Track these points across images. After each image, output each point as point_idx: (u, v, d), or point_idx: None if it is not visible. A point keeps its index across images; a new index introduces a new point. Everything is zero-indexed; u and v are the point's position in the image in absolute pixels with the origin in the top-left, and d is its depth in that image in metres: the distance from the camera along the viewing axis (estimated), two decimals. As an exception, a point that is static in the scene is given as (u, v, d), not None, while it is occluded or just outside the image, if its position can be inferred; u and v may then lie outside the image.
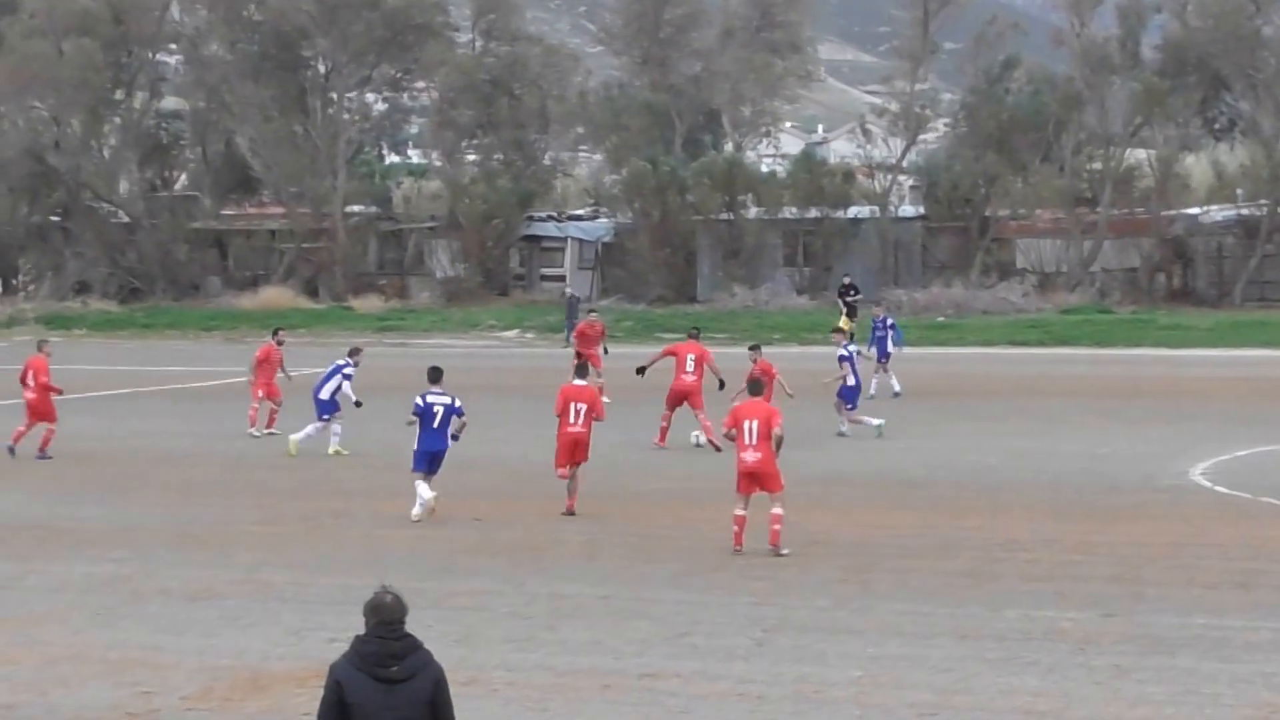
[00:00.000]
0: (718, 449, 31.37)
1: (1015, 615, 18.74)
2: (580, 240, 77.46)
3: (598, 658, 17.15)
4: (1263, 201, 71.02)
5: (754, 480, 22.40)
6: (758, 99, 77.90)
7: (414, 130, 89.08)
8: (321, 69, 79.96)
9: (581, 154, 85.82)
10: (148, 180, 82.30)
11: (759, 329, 61.05)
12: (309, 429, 32.88)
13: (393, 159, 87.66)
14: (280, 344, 37.37)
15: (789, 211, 74.29)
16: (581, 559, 22.39)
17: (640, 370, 35.01)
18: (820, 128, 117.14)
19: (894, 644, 17.51)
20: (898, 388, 42.29)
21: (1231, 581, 20.53)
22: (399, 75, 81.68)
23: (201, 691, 16.02)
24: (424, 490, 25.18)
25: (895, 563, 21.82)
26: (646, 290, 73.45)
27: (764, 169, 78.86)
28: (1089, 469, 30.31)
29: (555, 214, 79.54)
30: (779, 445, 22.42)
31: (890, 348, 42.81)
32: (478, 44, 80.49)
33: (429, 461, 25.28)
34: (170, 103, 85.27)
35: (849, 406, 35.41)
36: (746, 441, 22.35)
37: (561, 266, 76.92)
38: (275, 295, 73.77)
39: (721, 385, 33.00)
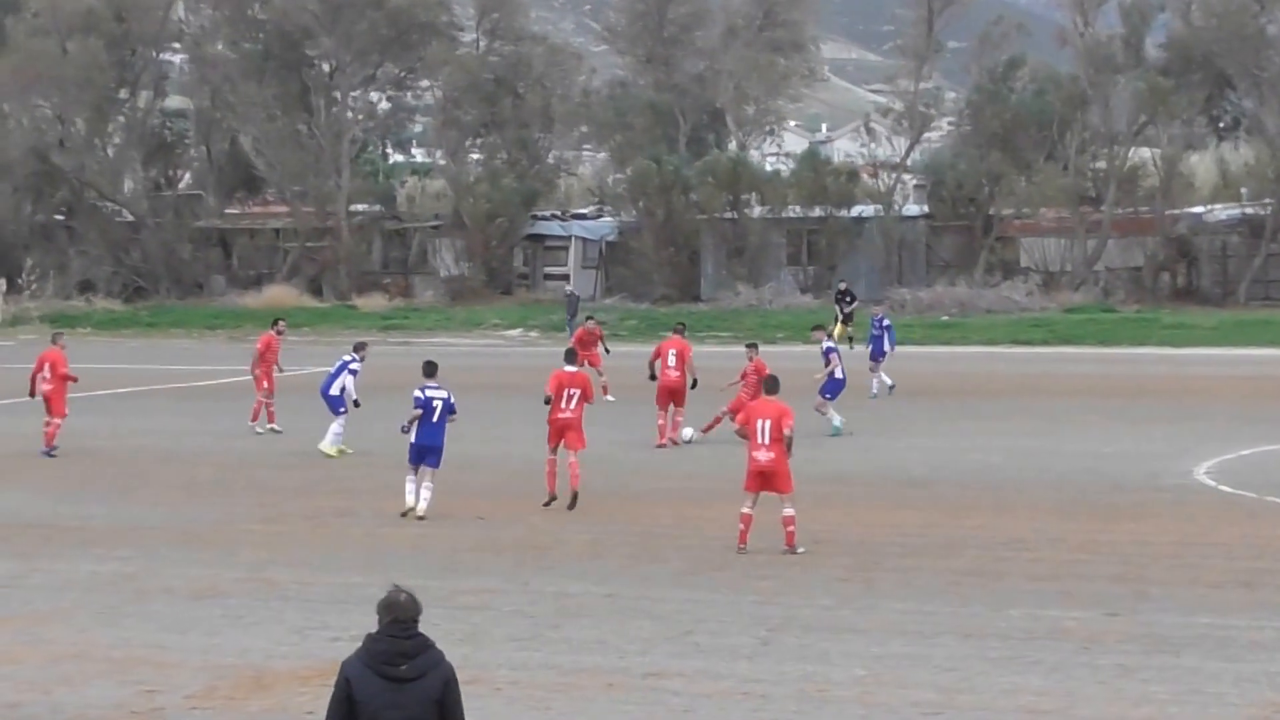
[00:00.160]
0: (675, 443, 33.22)
1: (1019, 614, 18.72)
2: (584, 239, 77.41)
3: (602, 656, 17.14)
4: (1267, 200, 71.02)
5: (764, 479, 22.36)
6: (762, 98, 77.88)
7: (418, 129, 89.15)
8: (325, 68, 79.98)
9: (585, 153, 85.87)
10: (152, 179, 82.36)
11: (763, 328, 61.01)
12: (334, 428, 32.43)
13: (397, 158, 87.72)
14: (280, 334, 37.28)
15: (793, 210, 74.32)
16: (585, 558, 22.37)
17: (651, 376, 35.12)
18: (824, 127, 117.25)
19: (898, 643, 17.49)
20: (890, 381, 42.38)
21: (1236, 581, 20.50)
22: (403, 74, 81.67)
23: (205, 690, 16.01)
24: (410, 497, 25.19)
25: (899, 562, 21.81)
26: (650, 289, 73.43)
27: (768, 168, 78.79)
28: (1093, 468, 30.27)
29: (559, 213, 79.48)
30: (790, 446, 22.40)
31: (886, 347, 42.89)
32: (482, 43, 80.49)
33: (421, 455, 25.15)
34: (174, 102, 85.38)
35: (827, 396, 35.24)
36: (759, 440, 22.33)
37: (565, 266, 76.86)
38: (279, 294, 73.72)
39: (694, 384, 33.70)
